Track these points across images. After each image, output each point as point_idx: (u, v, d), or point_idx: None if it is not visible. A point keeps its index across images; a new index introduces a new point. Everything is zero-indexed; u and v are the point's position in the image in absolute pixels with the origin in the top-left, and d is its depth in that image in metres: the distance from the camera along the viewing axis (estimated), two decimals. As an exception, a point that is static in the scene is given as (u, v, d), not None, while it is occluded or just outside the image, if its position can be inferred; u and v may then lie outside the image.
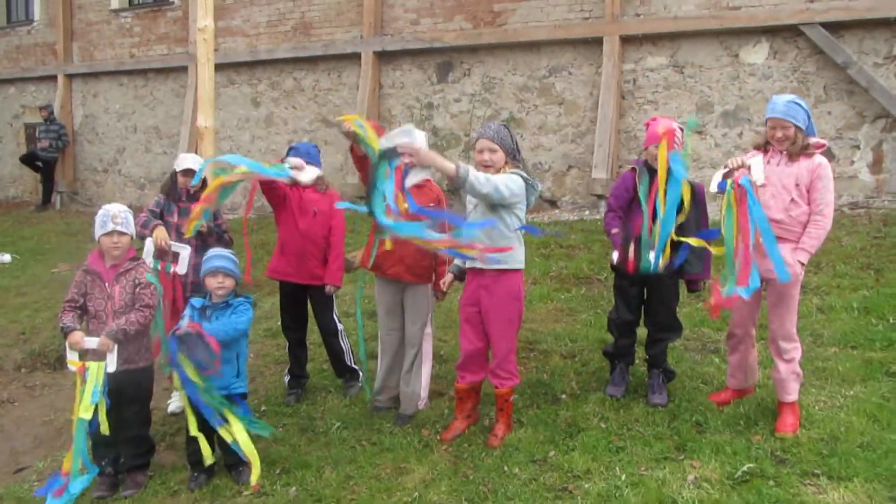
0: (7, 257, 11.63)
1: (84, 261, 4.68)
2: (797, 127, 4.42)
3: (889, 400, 4.73)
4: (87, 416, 4.25)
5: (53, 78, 16.78)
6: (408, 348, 5.21)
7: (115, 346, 4.39)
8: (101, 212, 4.60)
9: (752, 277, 4.27)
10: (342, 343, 5.70)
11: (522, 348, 6.11)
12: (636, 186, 4.88)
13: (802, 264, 4.51)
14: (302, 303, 5.69)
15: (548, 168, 11.16)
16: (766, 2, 9.53)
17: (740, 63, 9.87)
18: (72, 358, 4.37)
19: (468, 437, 4.77)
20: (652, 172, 4.74)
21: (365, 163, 4.75)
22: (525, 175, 4.51)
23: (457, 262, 4.90)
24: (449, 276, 4.96)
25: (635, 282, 5.03)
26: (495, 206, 4.43)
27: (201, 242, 5.38)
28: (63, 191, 16.36)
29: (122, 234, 4.57)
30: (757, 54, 9.77)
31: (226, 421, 4.43)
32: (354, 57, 12.65)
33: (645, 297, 5.13)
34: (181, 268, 5.33)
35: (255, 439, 4.85)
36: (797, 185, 4.45)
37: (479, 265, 4.54)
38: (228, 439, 4.41)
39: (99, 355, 4.37)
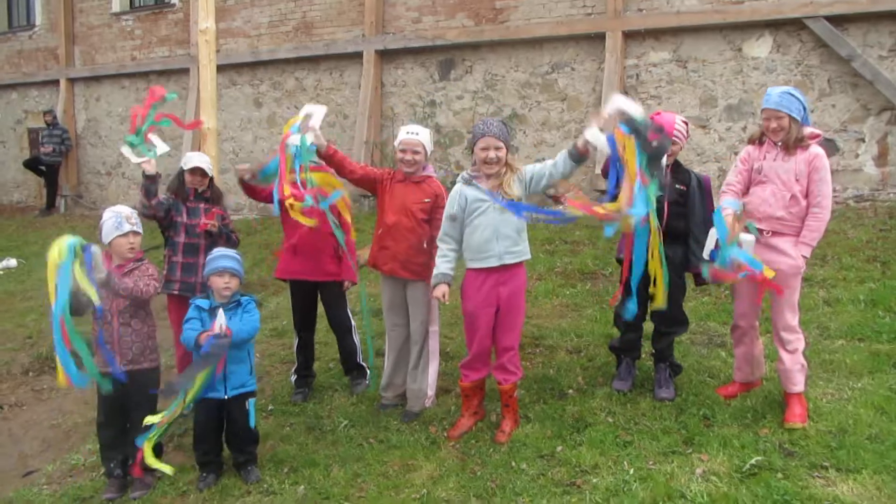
0: (13, 262, 11.65)
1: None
2: (791, 117, 4.42)
3: (897, 391, 4.72)
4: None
5: (55, 82, 16.79)
6: (412, 345, 5.21)
7: (103, 270, 4.24)
8: (109, 214, 4.59)
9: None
10: (355, 339, 5.70)
11: (528, 344, 6.11)
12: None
13: (805, 258, 4.50)
14: (314, 301, 5.70)
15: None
16: (769, -5, 9.52)
17: (743, 57, 9.85)
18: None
19: (475, 434, 4.77)
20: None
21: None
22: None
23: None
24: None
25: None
26: (524, 198, 4.63)
27: (211, 242, 5.39)
28: (67, 195, 16.38)
29: (136, 233, 4.60)
30: (760, 48, 9.75)
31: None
32: (356, 56, 12.64)
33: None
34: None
35: (263, 438, 4.86)
36: (797, 179, 4.44)
37: (505, 261, 4.57)
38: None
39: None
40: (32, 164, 16.14)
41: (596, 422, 4.73)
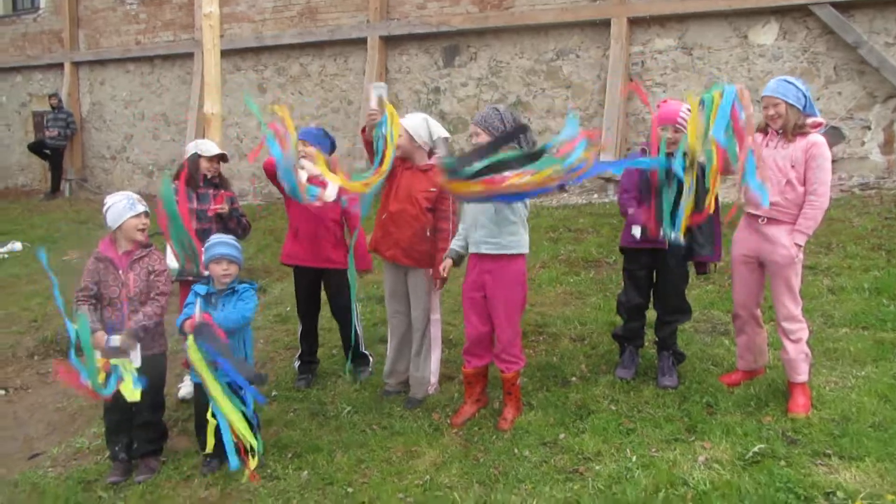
0: (18, 245, 11.67)
1: (95, 248, 4.66)
2: (788, 104, 4.42)
3: (900, 380, 4.72)
4: (137, 398, 4.31)
5: (60, 66, 16.78)
6: (414, 332, 5.22)
7: (138, 344, 4.42)
8: (119, 196, 4.58)
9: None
10: (357, 328, 5.71)
11: (532, 331, 6.12)
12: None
13: (799, 246, 4.50)
14: (317, 287, 5.70)
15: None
16: (776, -19, 9.46)
17: (749, 44, 9.80)
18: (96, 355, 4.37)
19: (478, 421, 4.78)
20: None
21: (371, 148, 4.88)
22: None
23: (454, 246, 4.84)
24: (448, 262, 4.85)
25: (644, 265, 5.03)
26: None
27: (222, 226, 5.39)
28: (72, 178, 16.40)
29: (148, 214, 4.61)
30: (766, 35, 9.70)
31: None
32: (361, 42, 12.61)
33: (654, 279, 5.12)
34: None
35: (266, 424, 4.88)
36: (793, 166, 4.45)
37: (482, 251, 4.58)
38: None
39: (121, 352, 4.39)
40: (37, 148, 16.15)
41: (599, 409, 4.74)
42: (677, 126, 4.68)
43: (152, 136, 15.68)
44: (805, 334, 4.60)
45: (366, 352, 5.80)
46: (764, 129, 4.63)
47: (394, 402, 5.18)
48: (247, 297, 4.56)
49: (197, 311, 4.34)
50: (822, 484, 3.70)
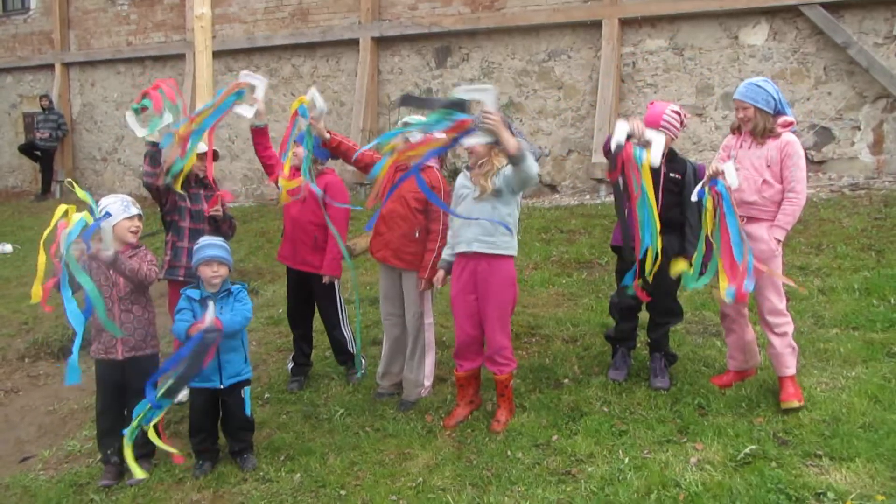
0: (8, 247, 11.63)
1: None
2: (756, 108, 4.50)
3: (890, 381, 4.74)
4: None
5: (50, 67, 16.68)
6: (408, 335, 5.23)
7: (112, 247, 4.29)
8: (113, 199, 4.56)
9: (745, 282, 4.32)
10: (344, 332, 5.69)
11: (524, 333, 6.13)
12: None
13: (778, 241, 4.58)
14: (307, 290, 5.68)
15: (547, 153, 11.14)
16: (766, -18, 9.49)
17: (740, 45, 9.83)
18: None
19: (471, 423, 4.79)
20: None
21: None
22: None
23: (445, 256, 4.88)
24: (440, 273, 4.89)
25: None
26: (505, 193, 4.54)
27: (215, 228, 5.39)
28: (62, 180, 16.32)
29: (141, 217, 4.65)
30: (757, 36, 9.73)
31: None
32: (353, 43, 12.59)
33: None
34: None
35: (259, 426, 4.88)
36: (768, 165, 4.54)
37: (474, 248, 4.59)
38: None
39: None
40: (28, 149, 16.08)
41: (591, 411, 4.75)
42: (662, 128, 4.68)
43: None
44: (790, 328, 4.65)
45: (353, 351, 5.72)
46: (738, 130, 4.73)
47: (387, 405, 5.19)
48: (242, 298, 4.59)
49: (209, 316, 4.29)
50: (813, 485, 3.72)
